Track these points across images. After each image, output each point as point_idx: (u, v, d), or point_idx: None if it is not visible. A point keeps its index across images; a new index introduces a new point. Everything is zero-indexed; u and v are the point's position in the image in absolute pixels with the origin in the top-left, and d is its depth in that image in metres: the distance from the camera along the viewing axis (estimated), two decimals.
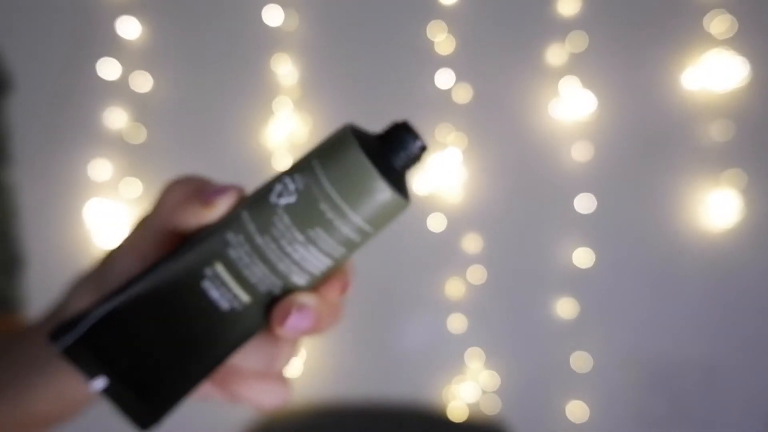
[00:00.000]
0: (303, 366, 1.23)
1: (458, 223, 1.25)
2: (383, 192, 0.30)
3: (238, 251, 0.31)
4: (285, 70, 1.22)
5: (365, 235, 0.31)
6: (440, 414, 1.23)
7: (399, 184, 0.31)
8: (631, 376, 1.28)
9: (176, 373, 0.32)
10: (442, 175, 1.24)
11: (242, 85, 1.23)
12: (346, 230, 0.30)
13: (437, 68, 1.24)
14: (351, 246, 0.31)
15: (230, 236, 0.31)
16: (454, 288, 1.25)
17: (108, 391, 0.31)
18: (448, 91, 1.24)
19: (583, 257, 1.25)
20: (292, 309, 0.31)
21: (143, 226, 0.34)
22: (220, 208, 0.31)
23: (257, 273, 0.31)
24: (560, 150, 1.25)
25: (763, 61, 1.23)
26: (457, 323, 1.26)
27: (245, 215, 0.31)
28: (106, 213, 1.19)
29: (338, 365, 1.24)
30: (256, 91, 1.22)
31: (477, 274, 1.25)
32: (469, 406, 1.25)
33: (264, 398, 0.35)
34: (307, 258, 0.31)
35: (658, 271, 1.27)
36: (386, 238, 1.34)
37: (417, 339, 1.27)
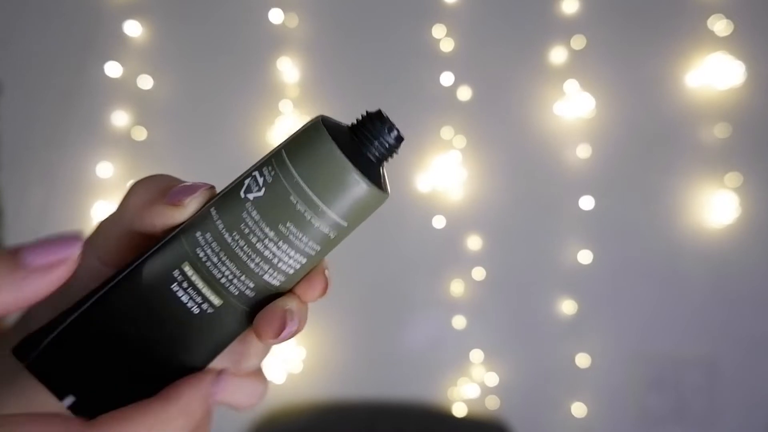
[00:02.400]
0: (306, 365, 1.24)
1: (459, 222, 1.25)
2: (357, 184, 0.28)
3: (206, 251, 0.28)
4: (289, 70, 1.23)
5: (341, 231, 0.29)
6: (443, 412, 1.24)
7: (374, 176, 0.29)
8: (633, 374, 1.28)
9: (148, 384, 0.29)
10: (444, 174, 1.24)
11: (247, 85, 1.23)
12: (319, 225, 0.28)
13: (441, 68, 1.24)
14: (326, 243, 0.29)
15: (198, 235, 0.29)
16: (456, 288, 1.26)
17: (76, 408, 0.29)
18: (452, 91, 1.25)
19: (584, 255, 1.25)
20: (287, 319, 0.29)
21: (106, 228, 0.32)
22: (189, 208, 0.29)
23: (227, 273, 0.28)
24: (562, 149, 1.25)
25: (760, 63, 1.24)
26: (458, 323, 1.26)
27: (213, 212, 0.29)
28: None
29: (341, 364, 1.24)
30: (261, 91, 1.23)
31: (478, 274, 1.26)
32: (472, 404, 1.25)
33: (236, 398, 0.33)
34: (279, 256, 0.28)
35: (660, 269, 1.27)
36: (388, 237, 1.34)
37: (420, 338, 1.28)
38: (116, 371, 0.29)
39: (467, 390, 1.25)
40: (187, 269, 0.29)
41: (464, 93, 1.24)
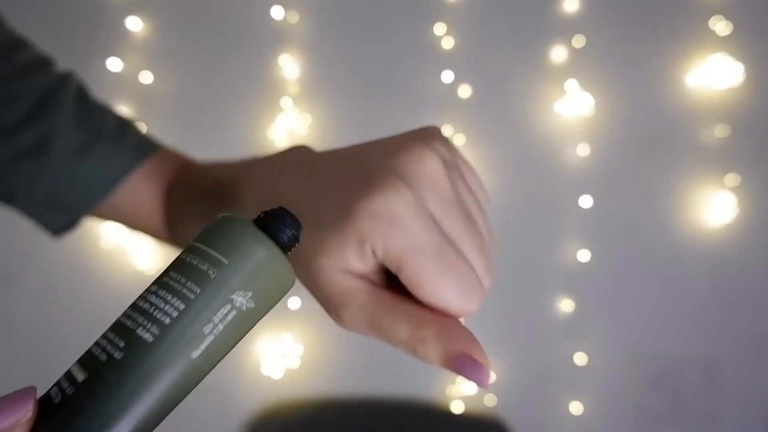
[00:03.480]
0: (305, 361, 1.24)
1: None
2: (241, 224, 0.26)
3: (99, 342, 0.25)
4: (290, 66, 1.23)
5: (222, 269, 0.25)
6: (441, 409, 1.24)
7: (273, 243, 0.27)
8: (632, 373, 1.28)
9: None
10: None
11: (248, 81, 1.24)
12: (198, 263, 0.25)
13: (441, 66, 1.25)
14: (207, 283, 0.25)
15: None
16: None
17: None
18: (452, 89, 1.25)
19: (583, 254, 1.25)
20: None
21: None
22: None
23: (101, 342, 0.25)
24: (561, 148, 1.26)
25: (760, 63, 1.24)
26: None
27: None
28: None
29: (339, 360, 1.25)
30: (262, 88, 1.23)
31: None
32: (470, 401, 1.26)
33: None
34: (156, 303, 0.25)
35: (659, 268, 1.28)
36: None
37: None
38: None
39: (465, 387, 1.26)
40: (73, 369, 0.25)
41: (464, 91, 1.25)
